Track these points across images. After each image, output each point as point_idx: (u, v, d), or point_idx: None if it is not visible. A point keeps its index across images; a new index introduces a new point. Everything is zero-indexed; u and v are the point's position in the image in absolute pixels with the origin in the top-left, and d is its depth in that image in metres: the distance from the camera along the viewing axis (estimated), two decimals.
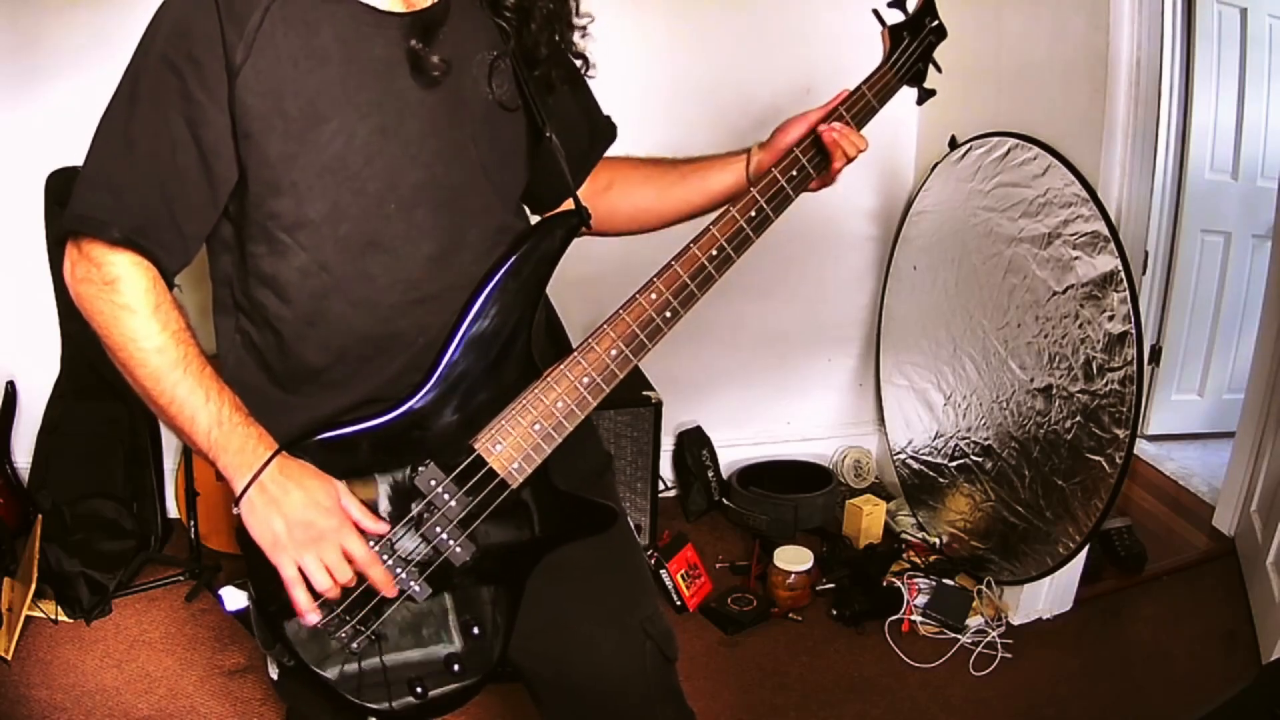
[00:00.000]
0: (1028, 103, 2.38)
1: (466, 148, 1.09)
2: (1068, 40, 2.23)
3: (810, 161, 1.22)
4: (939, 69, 1.34)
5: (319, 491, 1.02)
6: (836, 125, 1.21)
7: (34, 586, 2.24)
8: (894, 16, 1.31)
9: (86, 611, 2.29)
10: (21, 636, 2.19)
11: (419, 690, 1.12)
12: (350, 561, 1.04)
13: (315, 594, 1.04)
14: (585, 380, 1.10)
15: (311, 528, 1.01)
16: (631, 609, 1.25)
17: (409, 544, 1.08)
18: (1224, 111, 3.16)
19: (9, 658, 2.11)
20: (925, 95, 1.34)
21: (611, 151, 1.35)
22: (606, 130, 1.33)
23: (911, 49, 1.30)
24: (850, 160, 1.23)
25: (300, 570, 1.03)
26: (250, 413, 1.05)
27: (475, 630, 1.13)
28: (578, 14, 1.17)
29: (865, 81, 1.27)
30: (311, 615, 1.04)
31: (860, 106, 1.24)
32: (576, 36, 1.19)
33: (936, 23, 1.32)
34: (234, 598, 2.15)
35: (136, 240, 0.98)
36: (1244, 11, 3.10)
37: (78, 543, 2.37)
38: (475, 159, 1.10)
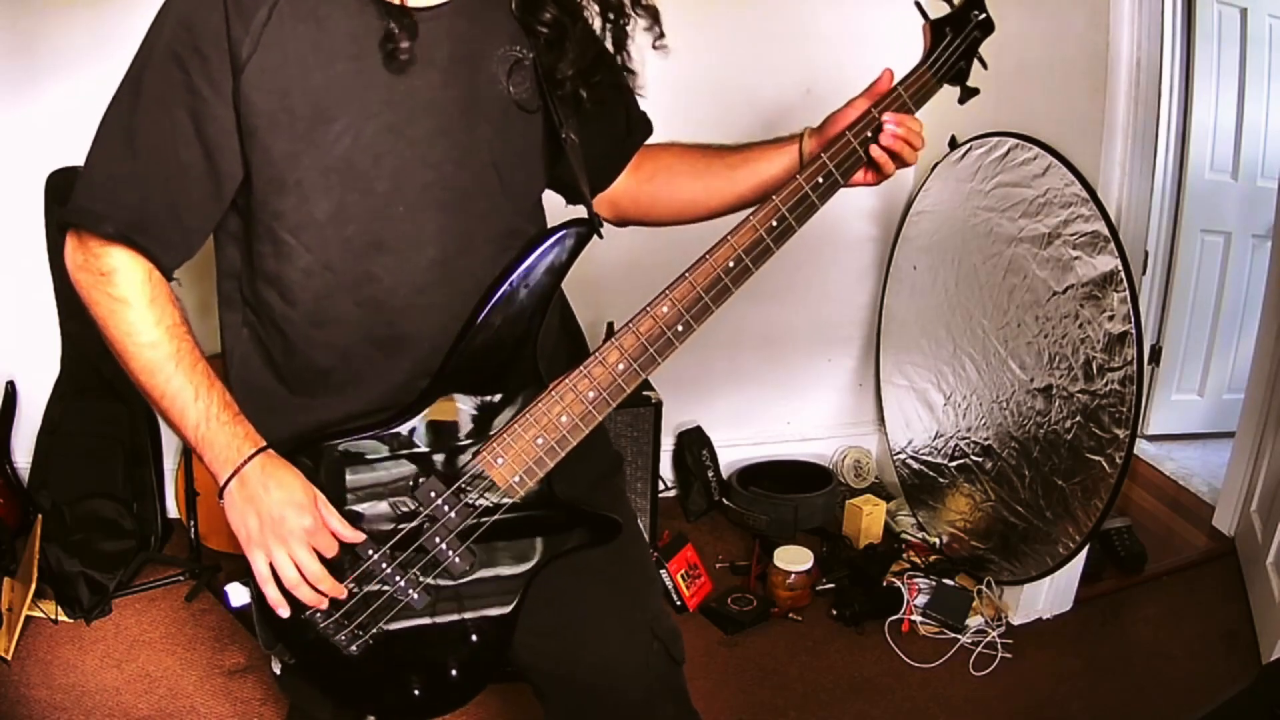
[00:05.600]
0: (1028, 103, 2.37)
1: (479, 149, 1.07)
2: (1067, 40, 2.23)
3: (840, 168, 1.14)
4: (984, 65, 1.23)
5: (298, 491, 1.03)
6: (886, 137, 1.14)
7: (34, 586, 2.24)
8: (938, 9, 1.19)
9: (86, 611, 2.28)
10: (21, 636, 2.19)
11: (417, 691, 1.12)
12: (324, 561, 1.04)
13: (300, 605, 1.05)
14: (591, 395, 1.09)
15: (284, 524, 1.02)
16: (638, 609, 1.25)
17: (409, 553, 1.08)
18: (1224, 111, 3.16)
19: (9, 658, 2.11)
20: (968, 94, 1.24)
21: (652, 138, 1.31)
22: (643, 124, 1.30)
23: (954, 46, 1.19)
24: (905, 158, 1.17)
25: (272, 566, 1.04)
26: (254, 412, 1.05)
27: (474, 636, 1.13)
28: (640, 7, 1.12)
29: (901, 82, 1.17)
30: (282, 609, 1.05)
31: (896, 110, 1.16)
32: (643, 44, 1.14)
33: (984, 16, 1.20)
34: (239, 594, 2.15)
35: (132, 236, 0.98)
36: (1244, 11, 3.10)
37: (78, 543, 2.37)
38: (488, 160, 1.08)
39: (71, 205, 0.98)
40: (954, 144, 2.59)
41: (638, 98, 1.25)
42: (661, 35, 1.14)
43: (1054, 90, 2.28)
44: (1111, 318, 2.01)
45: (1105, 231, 2.02)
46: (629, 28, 1.13)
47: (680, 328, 1.10)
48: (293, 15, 0.96)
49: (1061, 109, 2.25)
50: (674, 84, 2.72)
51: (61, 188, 2.42)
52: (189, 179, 0.99)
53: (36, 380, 2.58)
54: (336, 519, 1.05)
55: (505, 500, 1.09)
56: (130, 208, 0.98)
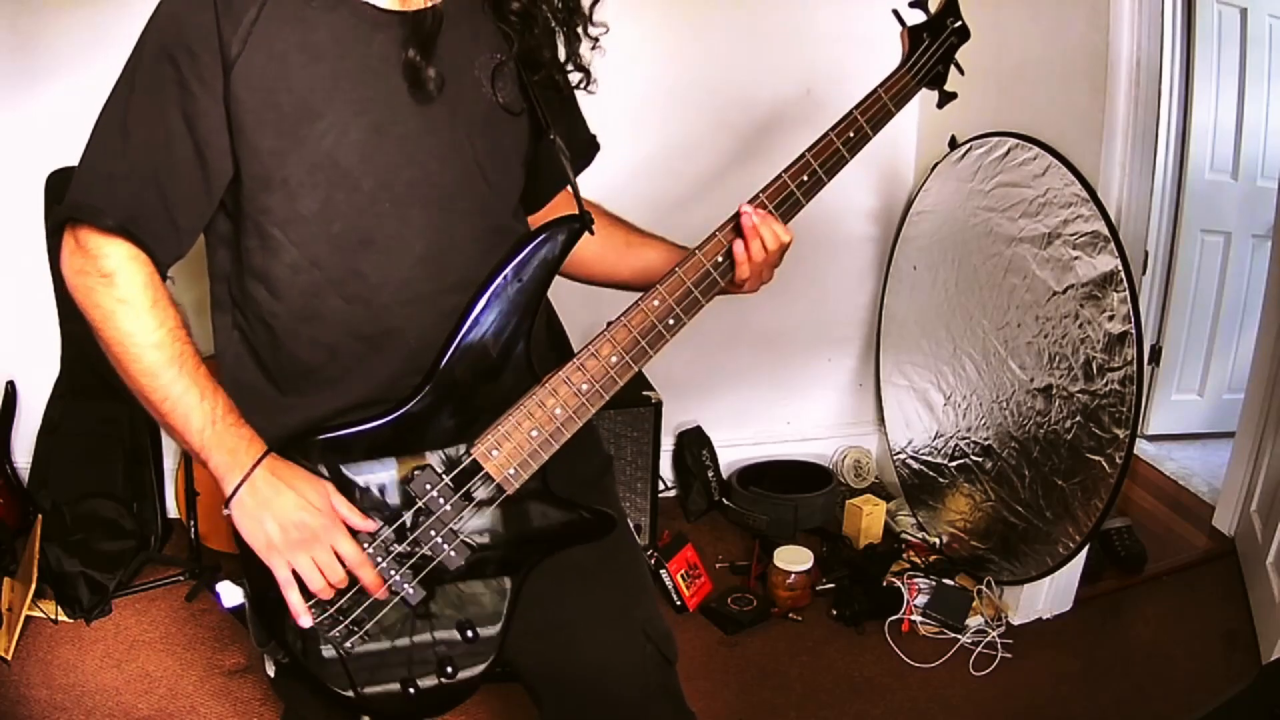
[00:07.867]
0: (1028, 103, 2.37)
1: (463, 147, 1.08)
2: (1067, 40, 2.23)
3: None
4: (960, 70, 1.30)
5: (310, 492, 1.03)
6: (757, 211, 1.15)
7: (34, 586, 2.24)
8: (915, 17, 1.26)
9: (86, 611, 2.29)
10: (21, 636, 2.19)
11: (412, 690, 1.12)
12: (341, 561, 1.04)
13: (308, 594, 1.04)
14: (584, 387, 1.10)
15: (304, 528, 1.02)
16: (631, 610, 1.26)
17: (404, 547, 1.08)
18: (1224, 111, 3.16)
19: (9, 658, 2.11)
20: (946, 98, 1.30)
21: (599, 170, 1.31)
22: (586, 148, 1.29)
23: (932, 50, 1.25)
24: (764, 258, 1.16)
25: (293, 571, 1.03)
26: (246, 412, 1.05)
27: (469, 633, 1.13)
28: (591, 24, 1.14)
29: (882, 85, 1.22)
30: (304, 617, 1.05)
31: (876, 110, 1.20)
32: (585, 48, 1.16)
33: (959, 23, 1.27)
34: (231, 594, 2.15)
35: (129, 229, 0.98)
36: (1244, 11, 3.10)
37: (78, 543, 2.37)
38: (472, 159, 1.09)
39: (68, 201, 0.99)
40: (954, 144, 2.59)
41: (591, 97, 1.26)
42: (596, 42, 1.17)
43: (1054, 90, 2.28)
44: (1111, 318, 2.02)
45: (1105, 231, 2.02)
46: (579, 30, 1.15)
47: (671, 320, 1.12)
48: (280, 15, 0.98)
49: (1061, 109, 2.25)
50: (673, 85, 2.74)
51: (61, 188, 2.42)
52: (181, 175, 1.00)
53: (36, 380, 2.58)
54: (346, 507, 1.05)
55: (500, 493, 1.09)
56: (126, 203, 0.98)
